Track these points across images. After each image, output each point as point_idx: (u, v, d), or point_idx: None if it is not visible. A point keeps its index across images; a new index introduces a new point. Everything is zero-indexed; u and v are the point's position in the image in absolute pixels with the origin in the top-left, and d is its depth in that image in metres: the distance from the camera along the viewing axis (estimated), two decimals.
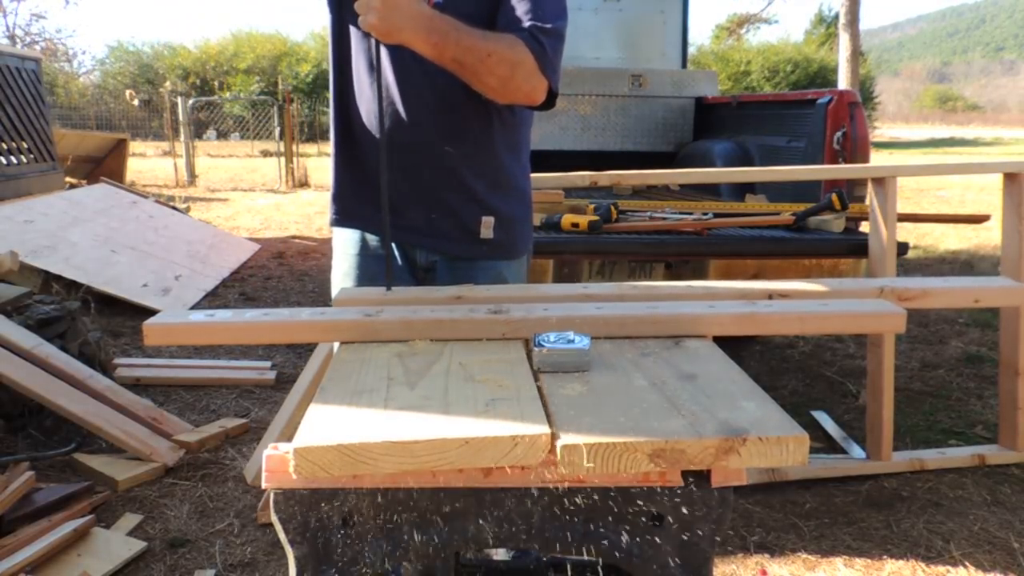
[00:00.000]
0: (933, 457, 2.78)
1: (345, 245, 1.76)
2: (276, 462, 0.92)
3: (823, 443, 2.96)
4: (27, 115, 6.12)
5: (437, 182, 1.65)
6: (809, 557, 2.24)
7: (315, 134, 21.35)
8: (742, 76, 24.24)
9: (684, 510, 0.95)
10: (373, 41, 1.45)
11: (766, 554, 2.26)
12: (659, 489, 0.94)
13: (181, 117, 13.10)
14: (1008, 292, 1.40)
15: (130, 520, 2.41)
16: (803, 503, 2.53)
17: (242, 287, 5.59)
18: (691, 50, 6.65)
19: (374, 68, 1.50)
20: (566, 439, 0.87)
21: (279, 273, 6.07)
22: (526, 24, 1.48)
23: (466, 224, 1.69)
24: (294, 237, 7.69)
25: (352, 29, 1.61)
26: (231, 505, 2.55)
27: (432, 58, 1.42)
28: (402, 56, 1.51)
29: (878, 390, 2.71)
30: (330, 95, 1.72)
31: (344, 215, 1.74)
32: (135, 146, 15.22)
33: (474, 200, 1.68)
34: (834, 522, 2.42)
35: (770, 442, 0.88)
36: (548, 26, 1.50)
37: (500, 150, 1.69)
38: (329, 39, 1.69)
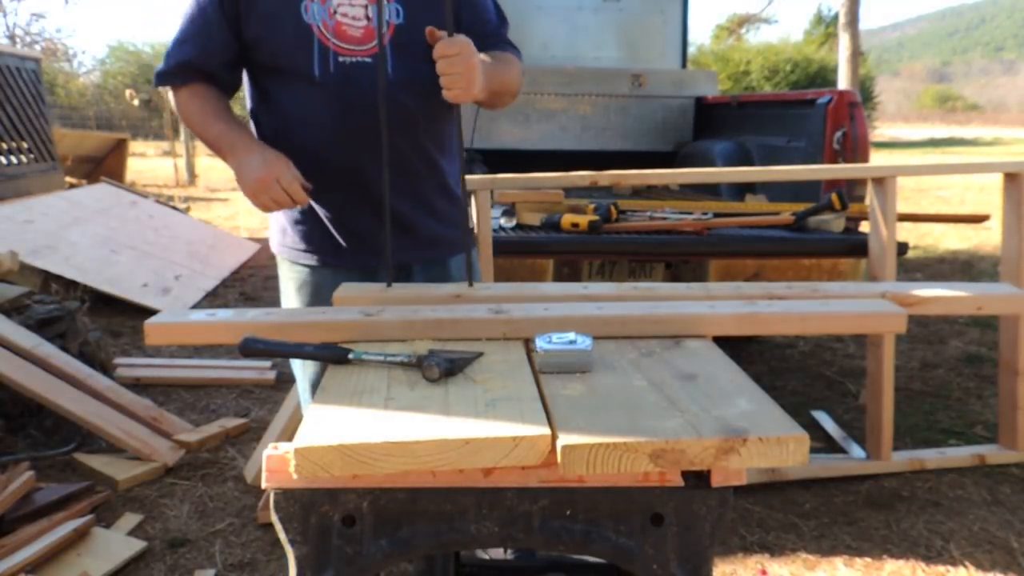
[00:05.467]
0: (933, 457, 2.78)
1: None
2: (276, 462, 0.92)
3: (823, 443, 2.96)
4: (27, 115, 6.13)
5: (435, 194, 1.67)
6: (809, 557, 2.24)
7: None
8: (742, 76, 24.19)
9: (684, 510, 0.95)
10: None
11: (766, 554, 2.26)
12: (659, 489, 0.94)
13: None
14: (1011, 300, 1.40)
15: (130, 520, 2.42)
16: (803, 503, 2.53)
17: (242, 287, 5.59)
18: (691, 50, 6.65)
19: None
20: (566, 439, 0.87)
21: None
22: (497, 33, 1.63)
23: (458, 222, 1.72)
24: None
25: (282, 70, 1.56)
26: (231, 505, 2.55)
27: (484, 100, 1.53)
28: (359, 77, 1.53)
29: (878, 390, 2.71)
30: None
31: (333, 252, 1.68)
32: (135, 146, 15.22)
33: (454, 197, 1.72)
34: (834, 522, 2.42)
35: (770, 442, 0.88)
36: (507, 29, 1.67)
37: (455, 140, 1.70)
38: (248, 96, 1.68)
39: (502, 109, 1.66)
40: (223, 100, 1.62)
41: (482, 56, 1.47)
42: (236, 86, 1.66)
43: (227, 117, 1.58)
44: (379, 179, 1.46)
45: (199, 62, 1.57)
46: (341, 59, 1.52)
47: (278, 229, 1.71)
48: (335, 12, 1.51)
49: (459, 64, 1.33)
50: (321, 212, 1.63)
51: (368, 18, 1.52)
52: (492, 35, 1.62)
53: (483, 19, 1.62)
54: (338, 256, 1.64)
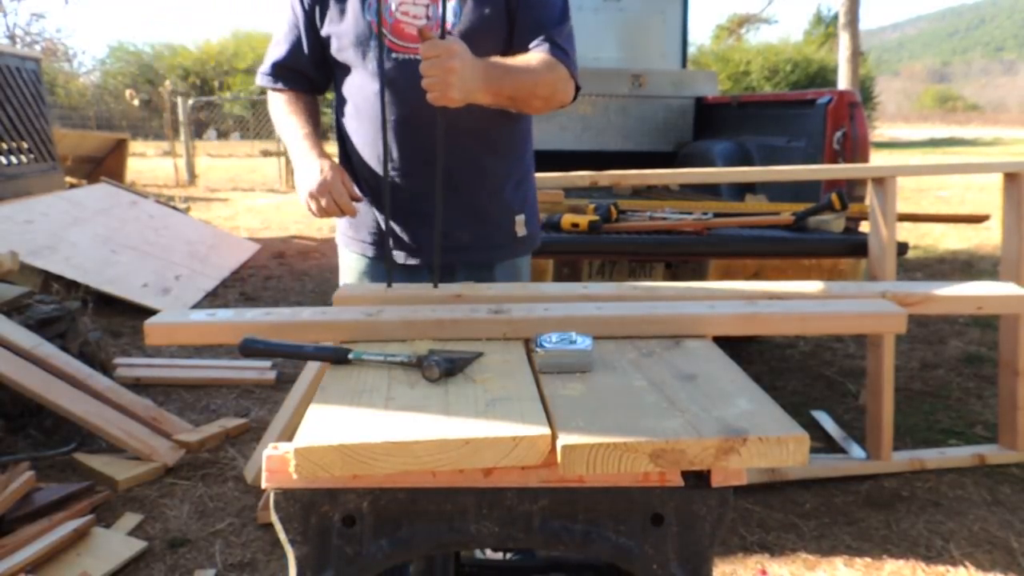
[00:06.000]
0: (933, 457, 2.78)
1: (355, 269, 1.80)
2: (276, 462, 0.92)
3: (823, 443, 2.96)
4: (27, 115, 6.12)
5: (478, 195, 1.68)
6: (809, 557, 2.24)
7: None
8: (742, 76, 24.20)
9: (684, 510, 0.95)
10: (374, 63, 1.55)
11: (766, 554, 2.26)
12: (659, 489, 0.94)
13: (181, 117, 13.10)
14: (1012, 300, 1.40)
15: (130, 520, 2.41)
16: (803, 503, 2.53)
17: (242, 287, 5.59)
18: (691, 50, 6.65)
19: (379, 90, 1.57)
20: (566, 439, 0.87)
21: (279, 273, 6.07)
22: (546, 35, 1.57)
23: (506, 228, 1.73)
24: (294, 237, 7.69)
25: (347, 65, 1.65)
26: (231, 505, 2.55)
27: (489, 103, 1.48)
28: (409, 74, 1.52)
29: (878, 390, 2.71)
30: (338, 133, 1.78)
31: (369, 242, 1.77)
32: (135, 146, 15.20)
33: (506, 203, 1.73)
34: (834, 522, 2.42)
35: (770, 442, 0.88)
36: (564, 30, 1.60)
37: (521, 146, 1.76)
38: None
39: (536, 113, 1.63)
40: (309, 107, 1.71)
41: (495, 59, 1.47)
42: (328, 83, 1.76)
43: (305, 125, 1.66)
44: (419, 178, 1.56)
45: (291, 61, 1.70)
46: (395, 55, 1.57)
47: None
48: (395, 10, 1.56)
49: (436, 68, 1.33)
50: (374, 207, 1.71)
51: (428, 17, 1.56)
52: (542, 36, 1.58)
53: (536, 19, 1.59)
54: (382, 250, 1.72)
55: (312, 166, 1.54)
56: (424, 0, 1.57)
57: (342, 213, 1.53)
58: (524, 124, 1.75)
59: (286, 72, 1.71)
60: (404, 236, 1.67)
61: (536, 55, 1.55)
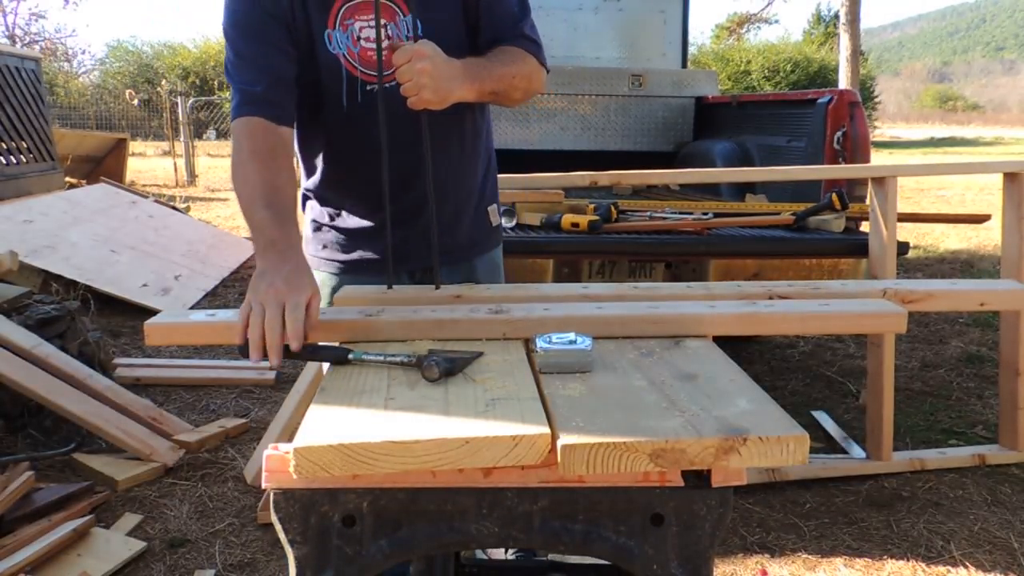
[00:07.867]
0: (933, 457, 2.78)
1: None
2: (276, 462, 0.92)
3: (823, 443, 2.96)
4: (27, 115, 6.12)
5: (458, 199, 1.66)
6: (809, 557, 2.24)
7: None
8: (742, 76, 24.17)
9: (684, 510, 0.94)
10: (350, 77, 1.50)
11: (766, 554, 2.26)
12: (659, 489, 0.94)
13: (181, 117, 13.10)
14: (1014, 295, 1.40)
15: (130, 520, 2.42)
16: (803, 503, 2.53)
17: (242, 287, 5.59)
18: (691, 50, 6.64)
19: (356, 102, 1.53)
20: (566, 439, 0.87)
21: None
22: (512, 29, 1.58)
23: (484, 222, 1.72)
24: None
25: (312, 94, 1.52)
26: (231, 505, 2.55)
27: (474, 99, 1.48)
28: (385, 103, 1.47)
29: (878, 390, 2.71)
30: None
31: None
32: (135, 146, 15.21)
33: (481, 195, 1.72)
34: (834, 522, 2.42)
35: (770, 442, 0.88)
36: (527, 22, 1.62)
37: (487, 139, 1.74)
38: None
39: (516, 105, 1.62)
40: (289, 157, 1.45)
41: (470, 58, 1.46)
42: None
43: (287, 194, 1.37)
44: (399, 202, 1.51)
45: (279, 70, 1.44)
46: (369, 87, 1.50)
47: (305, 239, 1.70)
48: (359, 39, 1.47)
49: (408, 72, 1.32)
50: (342, 231, 1.65)
51: (389, 37, 1.48)
52: (508, 33, 1.57)
53: (499, 18, 1.57)
54: (349, 275, 1.64)
55: (288, 261, 1.22)
56: (381, 21, 1.46)
57: (262, 355, 1.12)
58: (487, 118, 1.74)
59: (274, 87, 1.44)
60: (380, 259, 1.60)
61: (507, 49, 1.55)
